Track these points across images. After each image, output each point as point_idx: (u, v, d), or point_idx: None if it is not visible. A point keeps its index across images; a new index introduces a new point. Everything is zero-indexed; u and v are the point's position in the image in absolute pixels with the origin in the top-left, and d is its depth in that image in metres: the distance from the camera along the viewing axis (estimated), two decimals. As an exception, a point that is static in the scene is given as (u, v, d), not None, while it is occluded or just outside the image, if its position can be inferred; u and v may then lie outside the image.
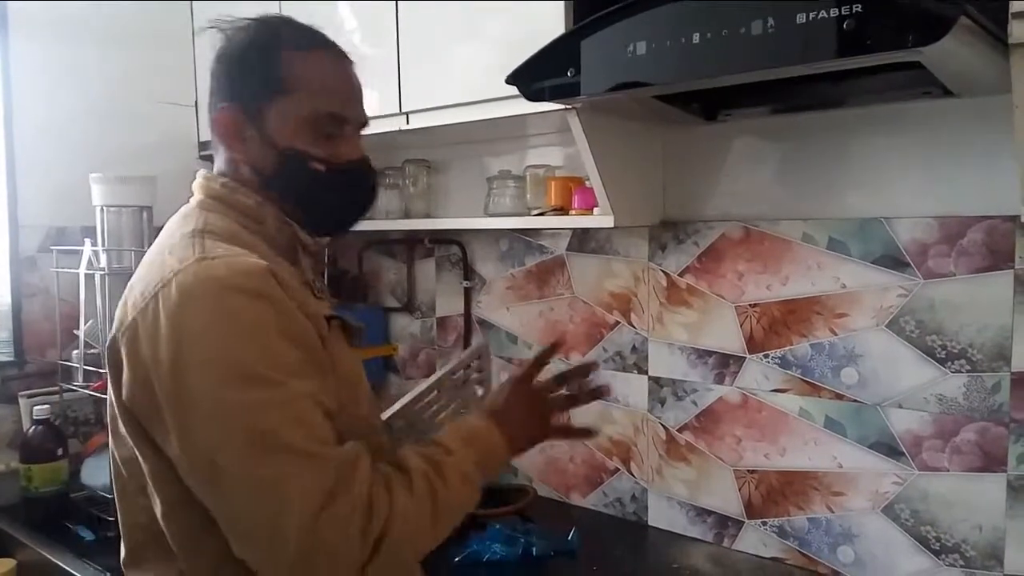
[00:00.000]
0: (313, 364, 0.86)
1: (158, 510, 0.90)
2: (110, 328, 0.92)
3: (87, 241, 1.88)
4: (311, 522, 0.78)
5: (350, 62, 1.00)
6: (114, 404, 0.93)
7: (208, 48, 0.99)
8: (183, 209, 0.99)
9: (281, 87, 0.93)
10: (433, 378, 1.13)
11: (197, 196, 0.98)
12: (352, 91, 0.99)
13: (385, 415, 1.07)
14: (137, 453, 0.90)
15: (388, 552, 0.82)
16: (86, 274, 1.86)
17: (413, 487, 0.87)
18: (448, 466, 0.91)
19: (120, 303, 0.92)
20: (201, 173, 1.00)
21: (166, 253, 0.90)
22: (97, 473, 1.76)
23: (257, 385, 0.81)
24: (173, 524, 0.89)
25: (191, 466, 0.83)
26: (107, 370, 0.93)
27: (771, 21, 1.02)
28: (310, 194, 0.97)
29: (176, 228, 0.95)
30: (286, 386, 0.82)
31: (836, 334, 1.47)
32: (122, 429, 0.92)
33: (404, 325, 2.28)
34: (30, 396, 1.92)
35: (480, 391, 1.20)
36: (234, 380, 0.81)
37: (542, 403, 1.07)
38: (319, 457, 0.81)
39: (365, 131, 1.02)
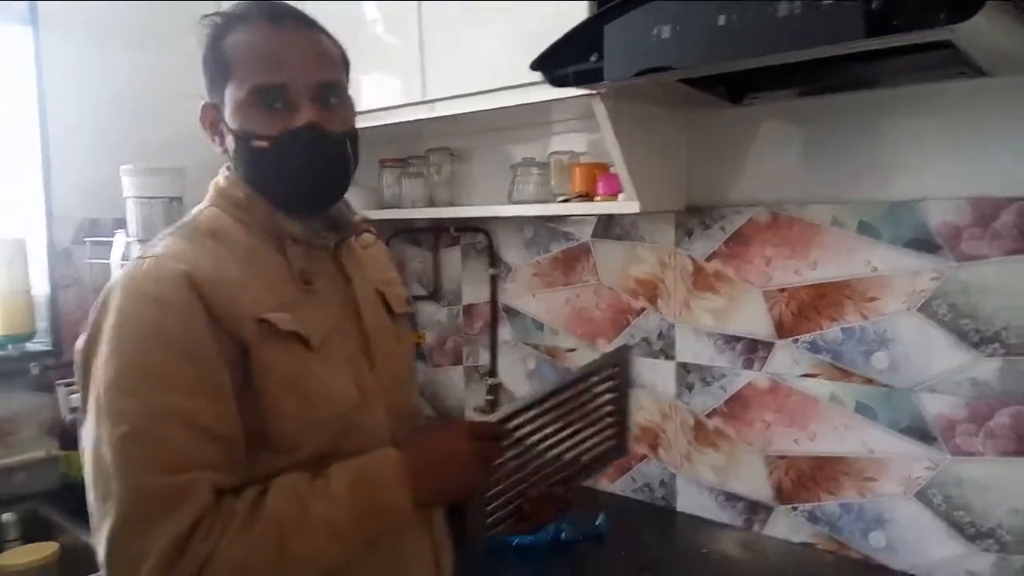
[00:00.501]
0: (204, 380, 0.83)
1: None
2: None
3: (119, 232, 1.92)
4: (111, 548, 0.78)
5: (294, 25, 0.93)
6: None
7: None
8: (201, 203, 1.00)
9: (225, 72, 0.92)
10: (558, 383, 1.01)
11: (210, 190, 0.99)
12: (287, 54, 0.91)
13: (493, 417, 0.96)
14: None
15: None
16: (119, 264, 1.89)
17: (250, 534, 0.80)
18: (316, 515, 0.82)
19: None
20: (223, 167, 1.00)
21: None
22: (133, 460, 1.80)
23: (119, 393, 0.81)
24: None
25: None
26: None
27: (797, 1, 1.01)
28: (262, 173, 0.93)
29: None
30: (146, 399, 0.80)
31: (867, 318, 1.45)
32: None
33: (431, 313, 2.29)
34: (67, 384, 1.96)
35: (612, 407, 1.08)
36: (112, 384, 0.81)
37: (469, 455, 0.91)
38: (135, 483, 0.78)
39: (332, 94, 0.94)
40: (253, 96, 0.90)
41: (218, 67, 0.92)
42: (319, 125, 0.91)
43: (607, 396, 1.08)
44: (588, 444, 1.07)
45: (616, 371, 1.08)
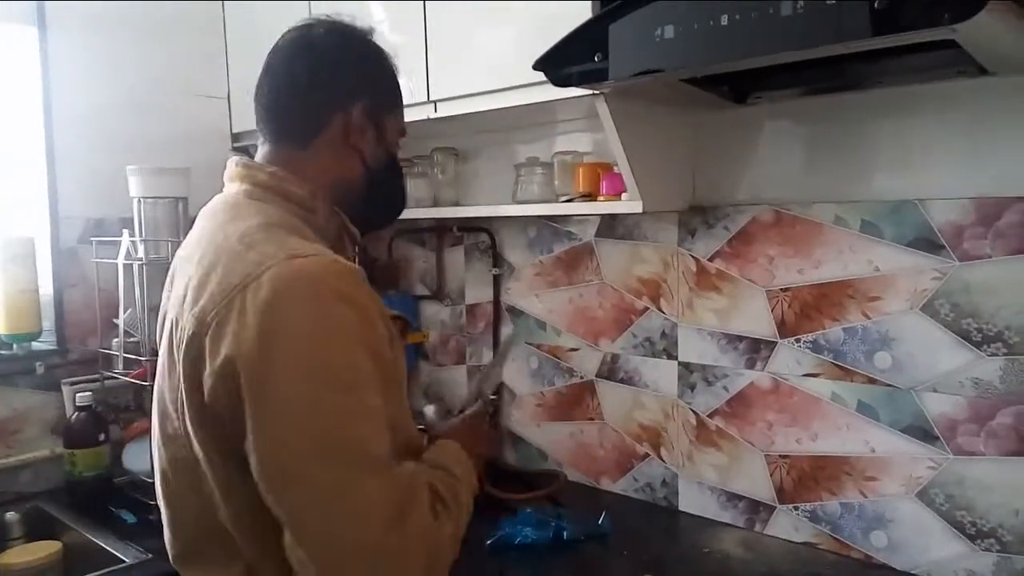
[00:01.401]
0: (382, 376, 0.86)
1: (223, 512, 0.88)
2: (149, 317, 0.94)
3: (125, 232, 1.92)
4: (381, 536, 0.79)
5: None
6: (173, 404, 0.91)
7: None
8: (227, 199, 0.97)
9: (397, 102, 1.06)
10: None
11: (241, 186, 0.96)
12: None
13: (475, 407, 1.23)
14: (203, 454, 0.88)
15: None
16: (124, 264, 1.90)
17: (451, 515, 0.89)
18: (460, 494, 0.94)
19: (189, 299, 0.88)
20: (235, 161, 0.99)
21: (240, 247, 0.87)
22: (138, 458, 1.81)
23: (345, 391, 0.81)
24: (242, 526, 0.88)
25: (261, 464, 0.81)
26: (180, 369, 0.88)
27: (800, 1, 1.01)
28: (396, 195, 1.11)
29: (230, 219, 0.93)
30: (367, 396, 0.82)
31: (869, 318, 1.46)
32: (180, 429, 0.90)
33: (434, 312, 2.29)
34: (72, 383, 1.97)
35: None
36: (324, 383, 0.80)
37: (484, 434, 1.19)
38: (391, 473, 0.83)
39: None
40: (402, 133, 1.08)
41: (394, 92, 1.06)
42: None
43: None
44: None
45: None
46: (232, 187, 0.98)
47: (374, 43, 1.04)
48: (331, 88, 0.99)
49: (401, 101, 1.07)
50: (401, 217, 2.07)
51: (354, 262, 1.03)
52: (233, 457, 0.84)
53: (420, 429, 1.09)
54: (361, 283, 0.86)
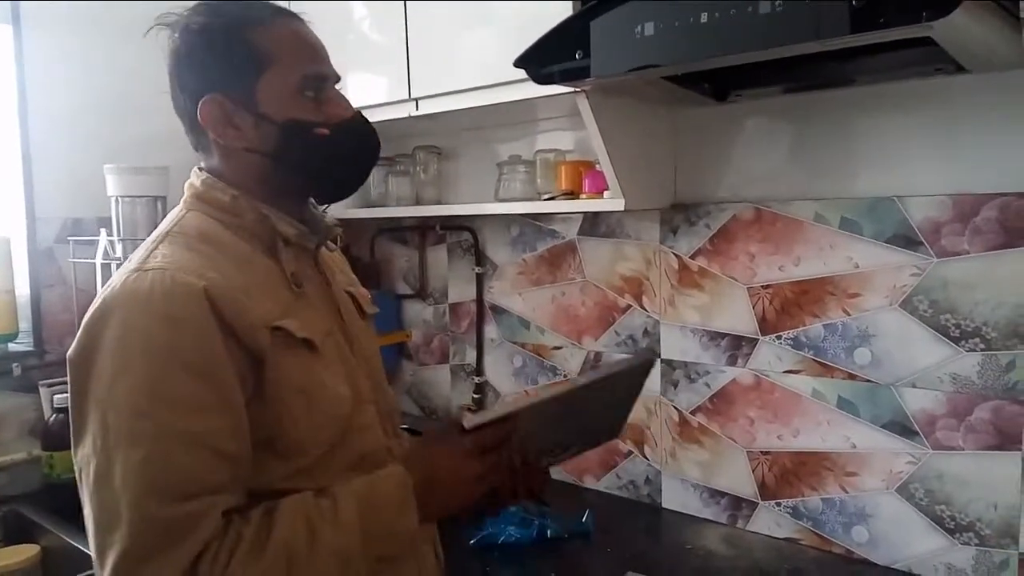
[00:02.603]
0: (218, 399, 0.81)
1: None
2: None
3: (103, 231, 1.91)
4: (126, 565, 0.76)
5: (304, 21, 0.96)
6: None
7: (159, 48, 0.96)
8: (175, 208, 0.98)
9: (259, 63, 0.90)
10: (573, 386, 0.97)
11: (186, 193, 0.97)
12: (320, 48, 0.95)
13: (491, 415, 0.93)
14: None
15: None
16: (102, 264, 1.88)
17: (258, 561, 0.79)
18: (325, 543, 0.82)
19: None
20: (194, 170, 0.98)
21: (132, 256, 0.90)
22: (117, 460, 1.79)
23: (132, 415, 0.78)
24: None
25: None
26: None
27: (779, -1, 1.02)
28: (318, 162, 0.93)
29: (159, 227, 0.94)
30: (162, 422, 0.78)
31: (849, 314, 1.47)
32: None
33: (417, 311, 2.29)
34: (50, 385, 1.94)
35: (616, 403, 1.08)
36: (124, 405, 0.79)
37: (477, 474, 0.92)
38: (146, 512, 0.77)
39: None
40: (304, 85, 0.91)
41: (246, 58, 0.90)
42: (363, 114, 0.96)
43: (618, 395, 1.08)
44: (585, 435, 1.10)
45: (639, 378, 1.10)
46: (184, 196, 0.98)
47: (208, 24, 0.91)
48: (182, 94, 0.93)
49: (272, 58, 0.90)
50: (383, 216, 2.09)
51: (312, 263, 0.99)
52: None
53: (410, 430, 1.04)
54: (195, 302, 0.81)
